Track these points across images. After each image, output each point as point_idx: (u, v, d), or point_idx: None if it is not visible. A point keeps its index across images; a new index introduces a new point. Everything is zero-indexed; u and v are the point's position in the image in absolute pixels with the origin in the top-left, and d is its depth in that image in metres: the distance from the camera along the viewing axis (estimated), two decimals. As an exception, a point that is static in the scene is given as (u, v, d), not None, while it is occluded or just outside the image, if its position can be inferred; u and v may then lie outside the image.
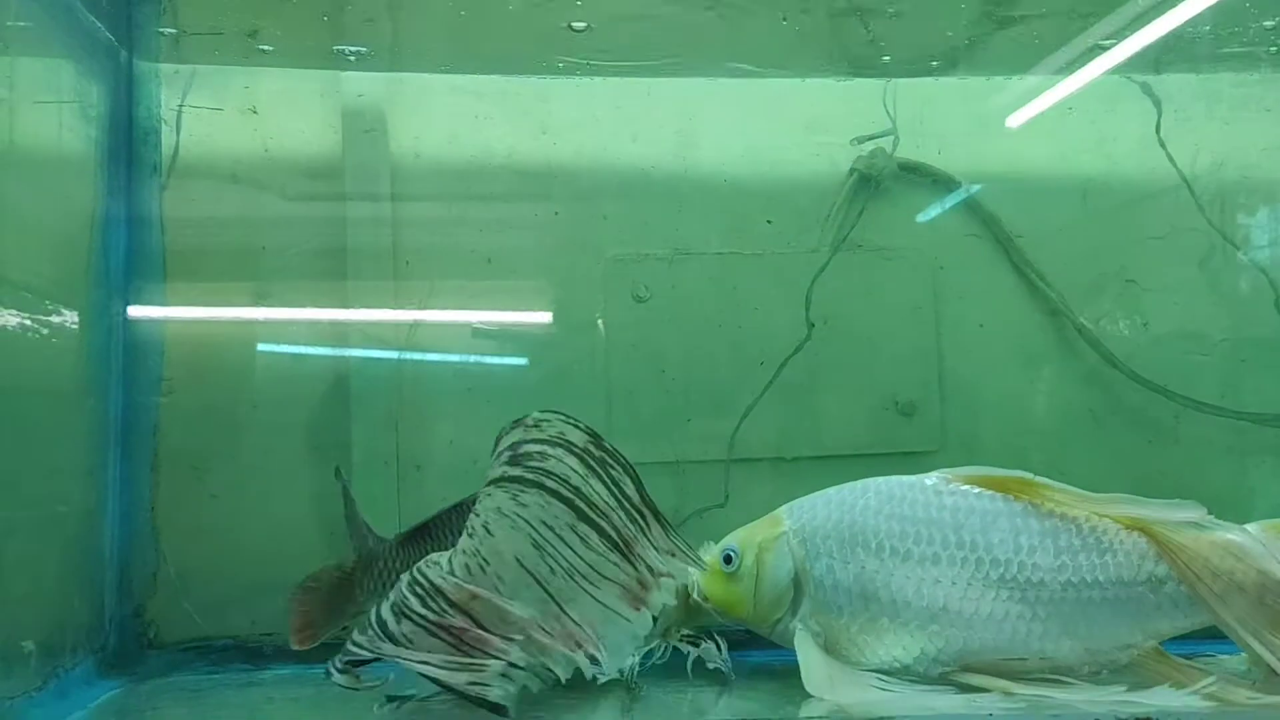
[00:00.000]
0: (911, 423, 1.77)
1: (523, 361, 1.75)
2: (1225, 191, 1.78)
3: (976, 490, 1.26)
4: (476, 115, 1.72)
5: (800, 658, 1.25)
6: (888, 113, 1.75)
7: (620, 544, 1.13)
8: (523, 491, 1.13)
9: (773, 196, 1.76)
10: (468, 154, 1.72)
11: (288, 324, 1.70)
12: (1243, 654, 1.21)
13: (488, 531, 1.12)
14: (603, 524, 1.13)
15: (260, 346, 1.69)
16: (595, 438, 1.20)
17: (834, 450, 1.75)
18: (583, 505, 1.13)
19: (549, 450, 1.16)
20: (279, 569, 1.62)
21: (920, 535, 1.25)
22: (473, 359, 1.73)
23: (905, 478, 1.31)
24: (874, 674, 1.23)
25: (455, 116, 1.72)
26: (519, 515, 1.12)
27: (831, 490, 1.35)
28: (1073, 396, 1.78)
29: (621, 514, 1.15)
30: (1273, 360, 1.76)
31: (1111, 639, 1.20)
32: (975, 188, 1.79)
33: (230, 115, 1.69)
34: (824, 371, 1.75)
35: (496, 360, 1.75)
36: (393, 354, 1.71)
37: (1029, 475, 1.26)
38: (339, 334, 1.71)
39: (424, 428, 1.70)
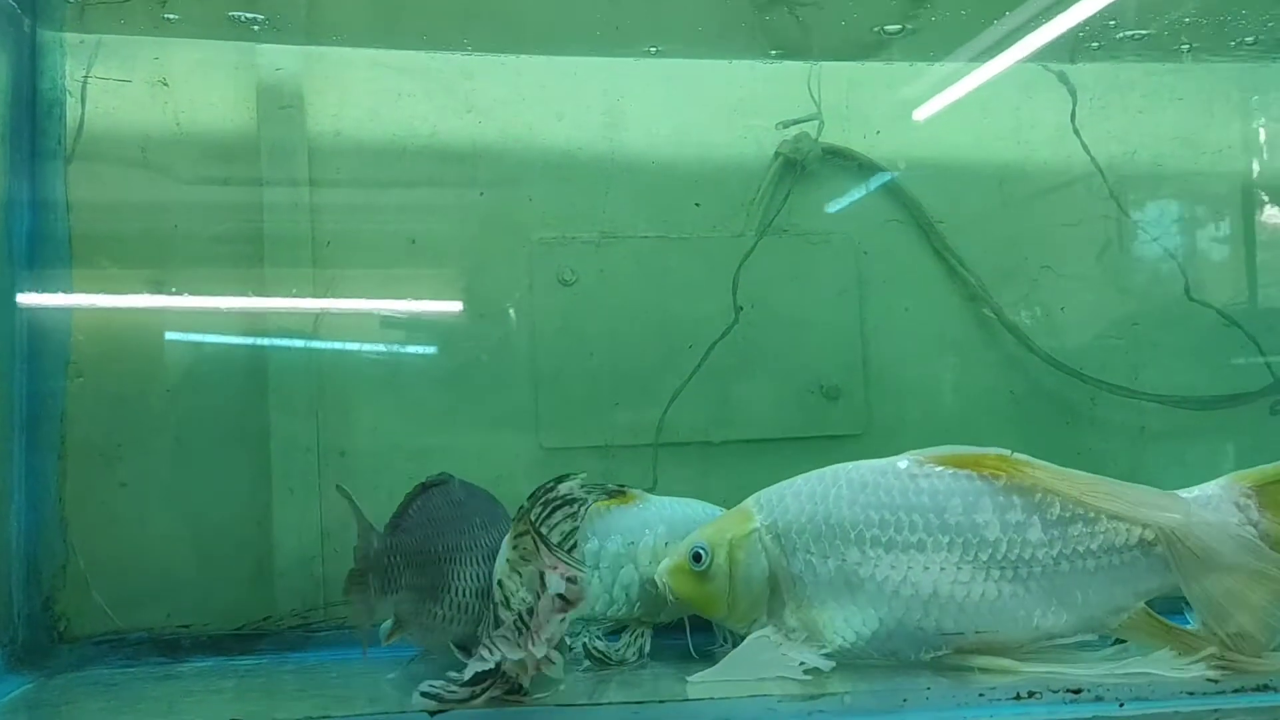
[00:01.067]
0: (837, 406, 1.78)
1: (447, 346, 1.72)
2: (1138, 180, 1.82)
3: (951, 471, 1.22)
4: (399, 92, 1.68)
5: (740, 647, 1.22)
6: (812, 97, 1.76)
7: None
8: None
9: (700, 179, 1.75)
10: (389, 132, 1.68)
11: (202, 309, 1.65)
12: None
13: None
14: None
15: (172, 333, 1.64)
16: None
17: (761, 434, 1.75)
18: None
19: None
20: (195, 560, 1.59)
21: (902, 522, 1.20)
22: (395, 344, 1.70)
23: (874, 462, 1.26)
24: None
25: (376, 93, 1.68)
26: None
27: (800, 480, 1.29)
28: (993, 379, 1.81)
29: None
30: (1181, 344, 1.82)
31: (1105, 605, 1.18)
32: (889, 175, 1.80)
33: (139, 87, 1.62)
34: (751, 356, 1.75)
35: (419, 345, 1.71)
36: (312, 341, 1.67)
37: (1006, 452, 1.21)
38: (255, 319, 1.66)
39: (346, 414, 1.66)
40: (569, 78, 1.73)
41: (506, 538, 1.12)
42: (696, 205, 1.75)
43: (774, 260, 1.77)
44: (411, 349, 1.71)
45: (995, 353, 1.82)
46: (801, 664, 1.14)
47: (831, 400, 1.78)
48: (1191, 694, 1.02)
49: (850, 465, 1.27)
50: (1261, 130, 1.87)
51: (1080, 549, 1.17)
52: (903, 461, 1.25)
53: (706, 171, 1.75)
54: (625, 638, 1.38)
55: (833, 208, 1.81)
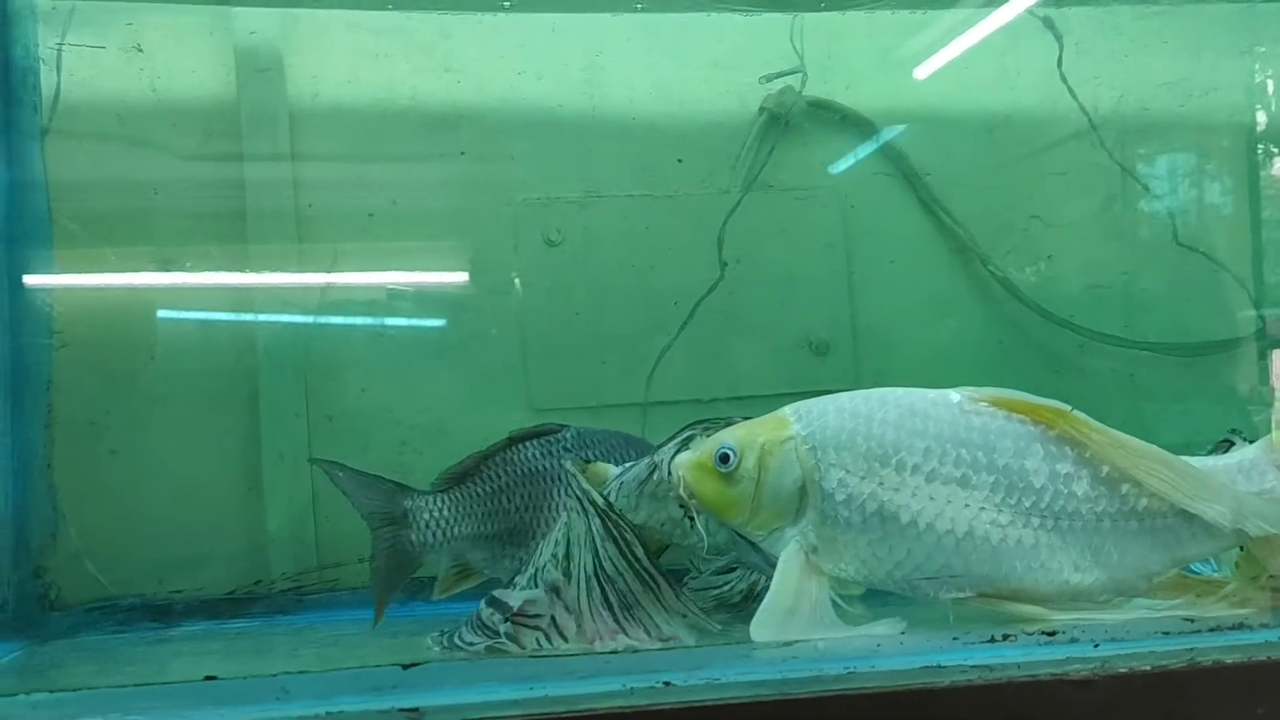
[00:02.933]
0: (826, 361, 1.78)
1: (434, 309, 1.73)
2: (1126, 126, 1.81)
3: (1004, 413, 1.15)
4: (376, 53, 1.67)
5: (776, 577, 1.15)
6: (795, 49, 1.74)
7: (616, 606, 1.16)
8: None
9: (683, 135, 1.75)
10: (369, 94, 1.67)
11: (190, 279, 1.65)
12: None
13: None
14: (606, 587, 1.16)
15: (159, 302, 1.64)
16: (609, 503, 1.22)
17: (750, 391, 1.75)
18: (597, 563, 1.17)
19: (576, 509, 1.20)
20: (186, 526, 1.60)
21: (948, 454, 1.13)
22: (382, 304, 1.70)
23: (927, 391, 1.18)
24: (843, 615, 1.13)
25: (354, 55, 1.67)
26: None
27: (844, 397, 1.20)
28: (981, 330, 1.81)
29: (630, 575, 1.16)
30: (1171, 292, 1.81)
31: (1139, 568, 1.13)
32: (895, 130, 1.79)
33: (113, 54, 1.61)
34: (740, 313, 1.75)
35: (407, 308, 1.71)
36: (301, 309, 1.67)
37: (1065, 407, 1.14)
38: (242, 290, 1.66)
39: (335, 379, 1.67)
40: (547, 35, 1.71)
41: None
42: (679, 161, 1.74)
43: (761, 216, 1.76)
44: (399, 312, 1.71)
45: (984, 304, 1.81)
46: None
47: (820, 356, 1.78)
48: (1167, 634, 1.02)
49: (901, 390, 1.19)
50: (1250, 73, 1.84)
51: (1125, 508, 1.12)
52: (955, 395, 1.17)
53: (689, 127, 1.74)
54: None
55: (836, 167, 1.80)
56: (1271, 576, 1.15)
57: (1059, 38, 1.77)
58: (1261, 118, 1.85)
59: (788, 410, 1.21)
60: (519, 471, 1.40)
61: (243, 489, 1.61)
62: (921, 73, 1.80)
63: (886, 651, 0.98)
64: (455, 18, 1.69)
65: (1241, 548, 1.19)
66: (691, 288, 1.72)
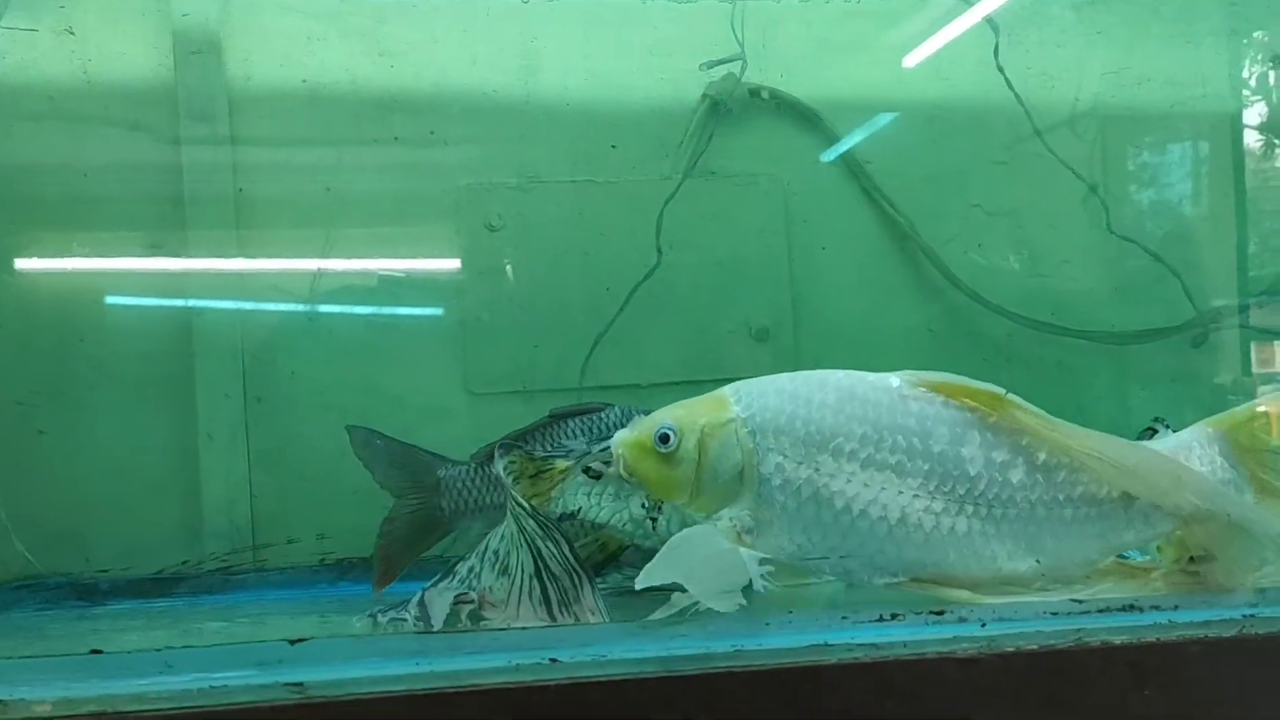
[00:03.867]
0: (766, 347, 1.79)
1: (374, 294, 1.73)
2: (1059, 114, 1.82)
3: (942, 399, 1.15)
4: (309, 36, 1.67)
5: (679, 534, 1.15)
6: (735, 36, 1.75)
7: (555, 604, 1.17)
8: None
9: (620, 121, 1.75)
10: (304, 78, 1.67)
11: (126, 262, 1.66)
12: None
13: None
14: (549, 585, 1.17)
15: (94, 283, 1.64)
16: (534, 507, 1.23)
17: (689, 376, 1.76)
18: (542, 563, 1.18)
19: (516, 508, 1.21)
20: (116, 505, 1.60)
21: (884, 441, 1.13)
22: (320, 288, 1.70)
23: (867, 375, 1.18)
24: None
25: (289, 38, 1.67)
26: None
27: (784, 378, 1.19)
28: (920, 317, 1.82)
29: (567, 576, 1.17)
30: (1103, 280, 1.83)
31: (1074, 555, 1.14)
32: (887, 118, 1.80)
33: (45, 36, 1.60)
34: (680, 299, 1.76)
35: (346, 291, 1.72)
36: (238, 291, 1.68)
37: (1001, 391, 1.14)
38: (179, 274, 1.66)
39: (271, 361, 1.67)
40: (484, 20, 1.71)
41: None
42: (613, 147, 1.74)
43: (701, 203, 1.77)
44: (334, 293, 1.71)
45: (923, 291, 1.83)
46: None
47: (760, 341, 1.79)
48: (1055, 614, 1.03)
49: (841, 373, 1.19)
50: (1187, 64, 1.86)
51: (1060, 496, 1.13)
52: (895, 379, 1.17)
53: (626, 114, 1.75)
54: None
55: (824, 157, 1.82)
56: (1192, 559, 1.17)
57: (995, 28, 1.78)
58: (1198, 108, 1.87)
59: (727, 391, 1.21)
60: (558, 448, 1.41)
61: (175, 469, 1.62)
62: (859, 61, 1.81)
63: (775, 630, 1.00)
64: (391, 1, 1.69)
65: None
66: (632, 274, 1.73)
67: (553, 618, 1.13)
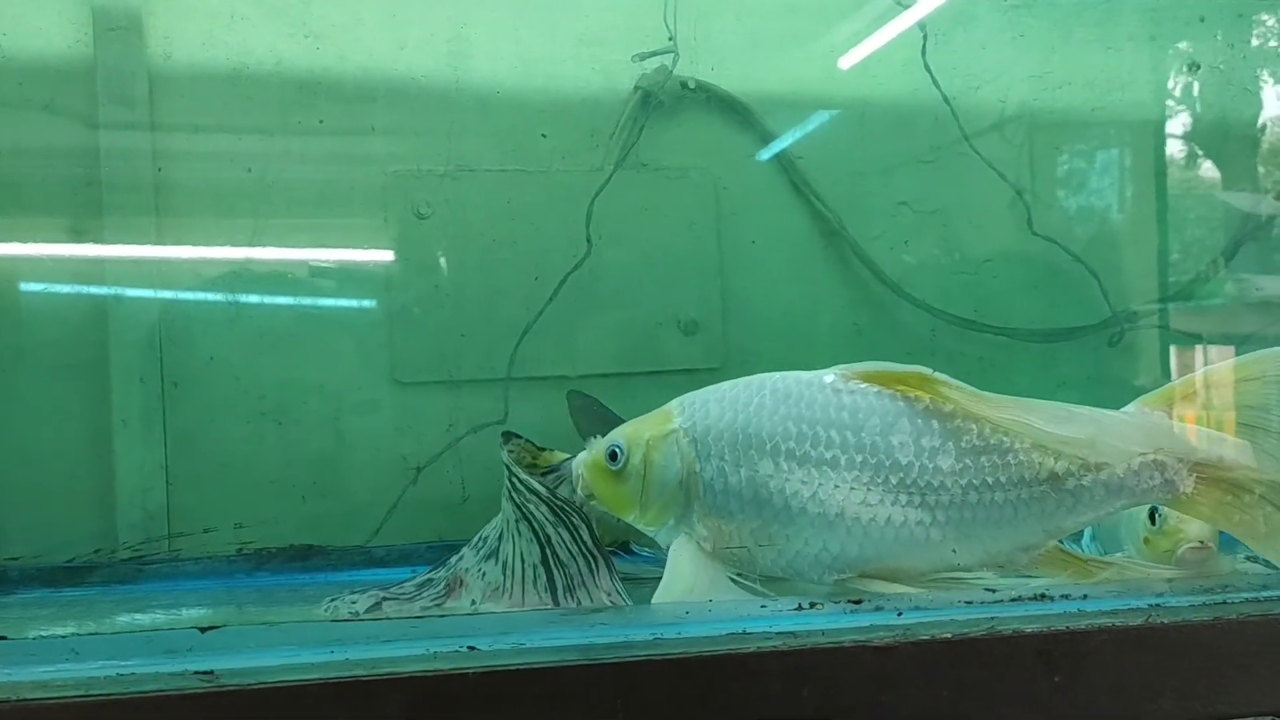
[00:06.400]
0: (695, 340, 1.80)
1: (296, 277, 1.70)
2: (985, 115, 1.85)
3: (876, 389, 1.17)
4: (232, 14, 1.63)
5: (668, 566, 1.18)
6: (668, 28, 1.75)
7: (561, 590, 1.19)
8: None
9: (551, 111, 1.74)
10: (227, 58, 1.64)
11: (40, 242, 1.61)
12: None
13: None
14: (556, 573, 1.19)
15: (6, 268, 1.59)
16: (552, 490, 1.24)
17: (618, 368, 1.77)
18: (550, 551, 1.20)
19: (528, 495, 1.22)
20: (26, 492, 1.56)
21: (818, 437, 1.15)
22: (243, 275, 1.67)
23: (802, 374, 1.21)
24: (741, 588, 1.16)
25: (211, 16, 1.63)
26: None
27: (725, 386, 1.23)
28: (841, 312, 1.84)
29: (581, 559, 1.18)
30: (1023, 278, 1.87)
31: (1013, 540, 1.15)
32: (824, 116, 1.81)
33: (-44, 10, 1.56)
34: (610, 291, 1.76)
35: (266, 276, 1.69)
36: (155, 278, 1.64)
37: (927, 371, 1.17)
38: (94, 252, 1.62)
39: (190, 347, 1.64)
40: (412, 4, 1.69)
41: None
42: (544, 137, 1.74)
43: (632, 195, 1.77)
44: (257, 278, 1.68)
45: (851, 287, 1.85)
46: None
47: (689, 335, 1.80)
48: (969, 603, 1.05)
49: (778, 375, 1.22)
50: (1106, 68, 1.90)
51: (990, 480, 1.14)
52: (829, 376, 1.19)
53: (556, 103, 1.74)
54: None
55: (764, 154, 1.82)
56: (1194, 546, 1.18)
57: (923, 28, 1.80)
58: (1118, 113, 1.91)
59: (674, 404, 1.25)
60: None
61: (88, 456, 1.58)
62: (789, 57, 1.82)
63: (694, 619, 1.00)
64: (318, -19, 1.67)
65: (1153, 520, 1.23)
66: (562, 264, 1.73)
67: (557, 603, 1.15)
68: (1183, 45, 1.95)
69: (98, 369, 1.59)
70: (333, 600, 1.21)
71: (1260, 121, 1.94)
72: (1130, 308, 1.87)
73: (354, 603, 1.18)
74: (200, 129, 1.66)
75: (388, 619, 1.07)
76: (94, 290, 1.62)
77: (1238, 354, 1.20)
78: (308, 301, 1.70)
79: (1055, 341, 1.85)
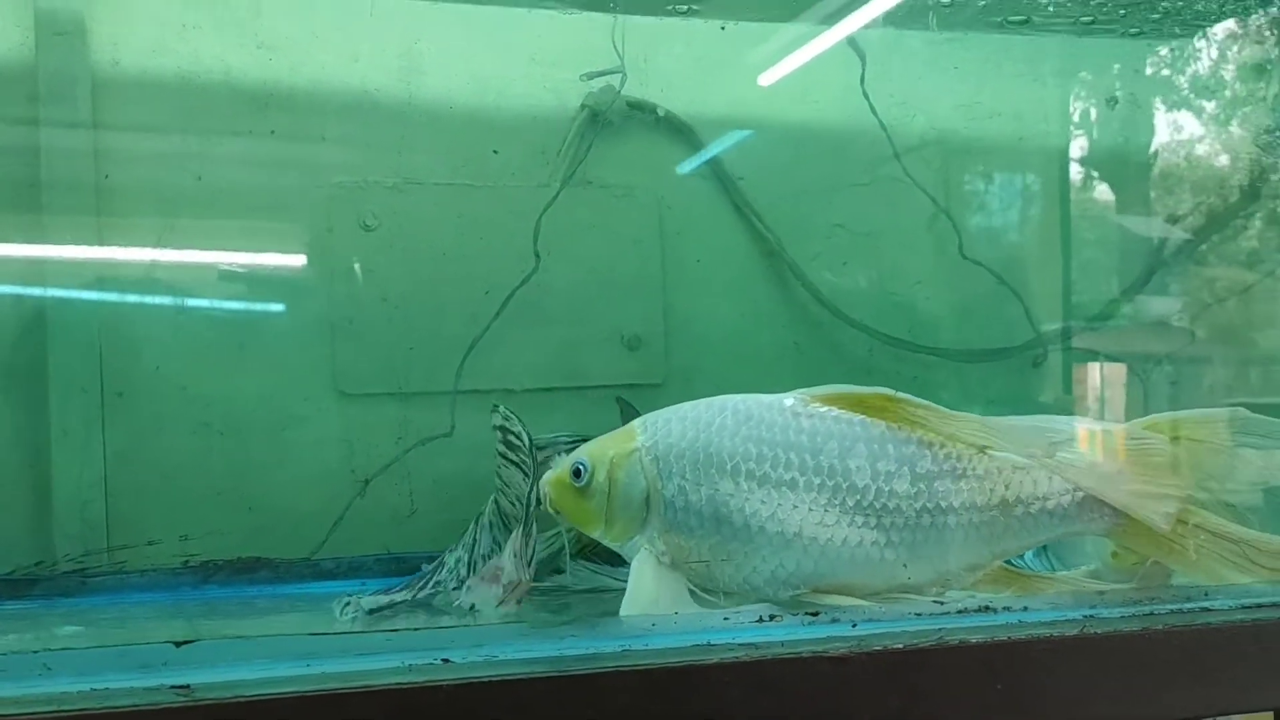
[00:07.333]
0: (637, 356, 1.83)
1: (242, 286, 1.69)
2: (918, 142, 1.92)
3: (835, 413, 1.21)
4: (183, 23, 1.62)
5: (631, 579, 1.20)
6: (616, 50, 1.78)
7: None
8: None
9: (500, 127, 1.76)
10: (176, 66, 1.62)
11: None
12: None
13: None
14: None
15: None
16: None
17: (562, 382, 1.79)
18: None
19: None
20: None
21: (778, 459, 1.19)
22: (185, 282, 1.65)
23: (763, 397, 1.24)
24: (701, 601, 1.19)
25: (160, 24, 1.61)
26: None
27: (687, 406, 1.26)
28: (785, 331, 1.89)
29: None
30: (954, 301, 1.94)
31: (961, 561, 1.20)
32: (742, 134, 1.86)
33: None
34: (554, 306, 1.78)
35: (212, 284, 1.67)
36: (96, 285, 1.61)
37: (889, 391, 1.21)
38: (32, 255, 1.59)
39: (131, 356, 1.61)
40: (365, 18, 1.69)
41: None
42: (495, 153, 1.75)
43: (578, 212, 1.79)
44: (203, 291, 1.66)
45: (788, 306, 1.89)
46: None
47: (632, 350, 1.83)
48: (919, 615, 1.10)
49: (740, 397, 1.25)
50: (1034, 100, 1.99)
51: (943, 504, 1.18)
52: (789, 399, 1.23)
53: (506, 120, 1.76)
54: None
55: (681, 169, 1.86)
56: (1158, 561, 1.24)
57: (861, 56, 1.86)
58: (1042, 143, 2.00)
59: (638, 422, 1.28)
60: None
61: (25, 466, 1.55)
62: (734, 81, 1.87)
63: (661, 631, 1.03)
64: (269, -7, 1.67)
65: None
66: (510, 278, 1.74)
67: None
68: (1101, 80, 2.05)
69: (35, 377, 1.56)
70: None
71: (1152, 149, 2.04)
72: (1048, 329, 1.96)
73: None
74: (145, 133, 1.64)
75: (377, 631, 1.08)
76: (31, 292, 1.59)
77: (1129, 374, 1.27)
78: (253, 309, 1.69)
79: (984, 361, 1.92)
